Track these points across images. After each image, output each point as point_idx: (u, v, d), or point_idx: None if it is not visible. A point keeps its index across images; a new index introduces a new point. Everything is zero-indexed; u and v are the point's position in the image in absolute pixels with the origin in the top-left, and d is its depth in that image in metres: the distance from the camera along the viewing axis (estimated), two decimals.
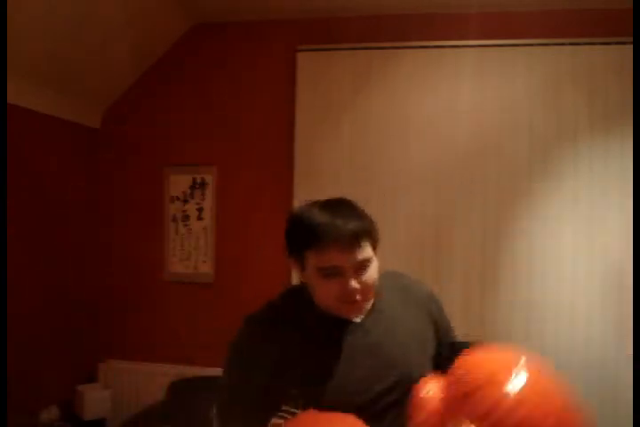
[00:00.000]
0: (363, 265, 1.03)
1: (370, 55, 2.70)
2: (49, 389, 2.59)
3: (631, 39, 2.19)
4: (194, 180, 2.87)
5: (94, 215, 2.94)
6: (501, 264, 2.55)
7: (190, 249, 2.86)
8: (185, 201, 2.88)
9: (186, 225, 2.87)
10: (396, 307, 1.16)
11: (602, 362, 2.42)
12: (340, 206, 1.06)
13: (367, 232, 1.04)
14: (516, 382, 0.80)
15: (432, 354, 1.16)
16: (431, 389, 0.93)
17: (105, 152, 2.97)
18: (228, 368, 1.13)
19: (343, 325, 1.09)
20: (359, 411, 0.96)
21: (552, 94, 2.56)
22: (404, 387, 1.03)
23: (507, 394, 0.79)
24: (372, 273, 1.05)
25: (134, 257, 2.94)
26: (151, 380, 2.80)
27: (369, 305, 1.10)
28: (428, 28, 2.68)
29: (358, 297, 1.03)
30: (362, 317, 1.10)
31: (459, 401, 0.85)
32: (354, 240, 1.00)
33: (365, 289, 1.04)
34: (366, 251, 1.03)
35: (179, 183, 2.88)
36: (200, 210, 2.86)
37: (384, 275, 1.12)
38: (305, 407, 1.00)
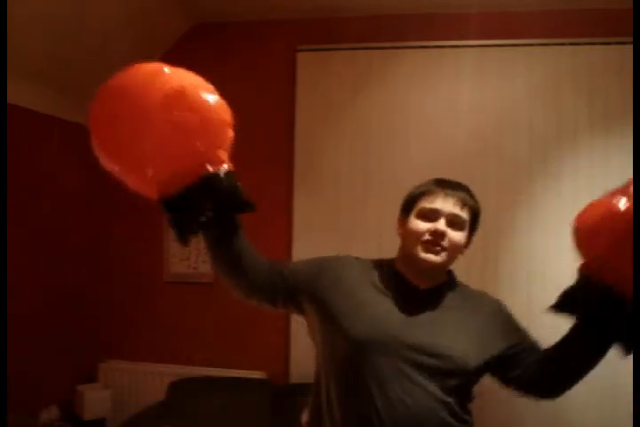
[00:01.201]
0: (456, 222, 1.20)
1: (370, 55, 2.70)
2: (49, 389, 2.59)
3: (631, 39, 2.19)
4: None
5: (94, 215, 2.94)
6: (501, 264, 2.55)
7: (190, 249, 2.86)
8: None
9: None
10: (462, 309, 1.24)
11: (602, 362, 2.41)
12: (457, 183, 1.29)
13: (472, 205, 1.24)
14: None
15: (487, 359, 1.20)
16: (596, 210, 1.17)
17: None
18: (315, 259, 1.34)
19: (409, 288, 1.22)
20: (364, 350, 1.13)
21: (552, 94, 2.56)
22: (432, 364, 1.13)
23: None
24: (459, 236, 1.20)
25: (134, 257, 2.94)
26: (151, 380, 2.80)
27: (443, 262, 1.20)
28: (428, 28, 2.68)
29: (443, 242, 1.18)
30: (427, 287, 1.23)
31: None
32: (458, 198, 1.21)
33: (451, 243, 1.18)
34: (465, 213, 1.22)
35: None
36: None
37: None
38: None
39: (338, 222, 2.68)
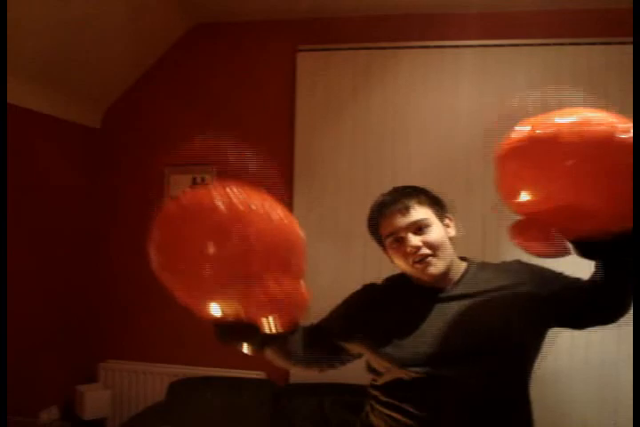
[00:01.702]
0: (418, 226, 1.20)
1: (370, 55, 2.70)
2: (49, 389, 2.59)
3: (631, 39, 2.19)
4: (194, 180, 2.87)
5: (94, 215, 2.94)
6: None
7: None
8: None
9: None
10: (489, 286, 1.23)
11: (602, 362, 2.42)
12: (394, 189, 1.31)
13: (418, 200, 1.23)
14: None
15: (537, 323, 1.20)
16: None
17: (105, 152, 2.97)
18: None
19: (431, 294, 1.23)
20: (412, 369, 1.15)
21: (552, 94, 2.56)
22: (478, 357, 1.13)
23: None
24: (434, 233, 1.20)
25: (134, 257, 2.93)
26: (151, 380, 2.80)
27: (442, 264, 1.20)
28: (428, 28, 2.68)
29: (424, 251, 1.18)
30: (448, 286, 1.23)
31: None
32: (402, 207, 1.22)
33: (431, 246, 1.19)
34: (417, 214, 1.21)
35: (179, 183, 2.88)
36: None
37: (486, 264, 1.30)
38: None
39: (338, 222, 2.68)
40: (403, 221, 1.21)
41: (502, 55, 2.60)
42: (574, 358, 2.40)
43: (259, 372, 2.72)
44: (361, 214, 2.66)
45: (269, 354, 1.30)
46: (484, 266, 1.31)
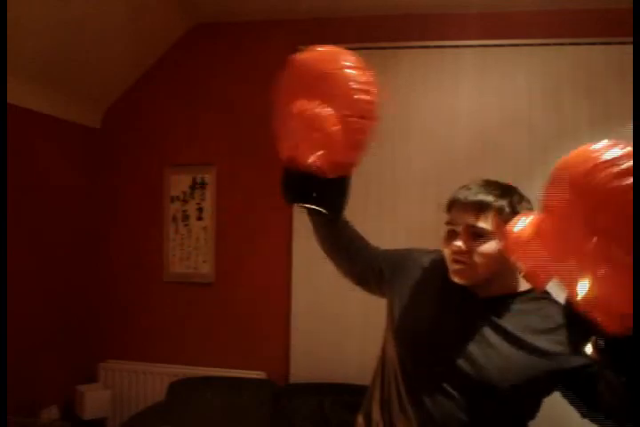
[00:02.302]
0: (475, 233, 1.11)
1: (370, 55, 2.67)
2: (49, 389, 2.59)
3: (631, 39, 2.19)
4: (194, 180, 2.87)
5: (94, 215, 2.94)
6: None
7: (190, 249, 2.86)
8: (185, 201, 2.88)
9: (186, 225, 2.87)
10: (522, 327, 1.12)
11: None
12: (485, 183, 1.19)
13: (494, 208, 1.11)
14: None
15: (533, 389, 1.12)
16: (524, 222, 0.95)
17: (105, 152, 2.97)
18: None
19: (467, 297, 1.17)
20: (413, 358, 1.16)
21: (552, 94, 2.56)
22: (460, 380, 1.10)
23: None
24: (485, 247, 1.10)
25: (134, 257, 2.94)
26: (151, 380, 2.80)
27: (471, 278, 1.13)
28: (427, 28, 2.68)
29: (462, 258, 1.11)
30: (487, 301, 1.15)
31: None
32: (473, 206, 1.12)
33: (474, 258, 1.10)
34: (483, 221, 1.11)
35: (179, 183, 2.88)
36: (200, 210, 2.86)
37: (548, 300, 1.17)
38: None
39: None
40: (465, 219, 1.12)
41: (502, 55, 2.60)
42: None
43: (259, 372, 2.72)
44: (361, 214, 2.68)
45: (316, 223, 1.31)
46: (537, 299, 1.17)
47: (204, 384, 2.61)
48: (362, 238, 1.37)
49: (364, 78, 1.17)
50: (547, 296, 1.18)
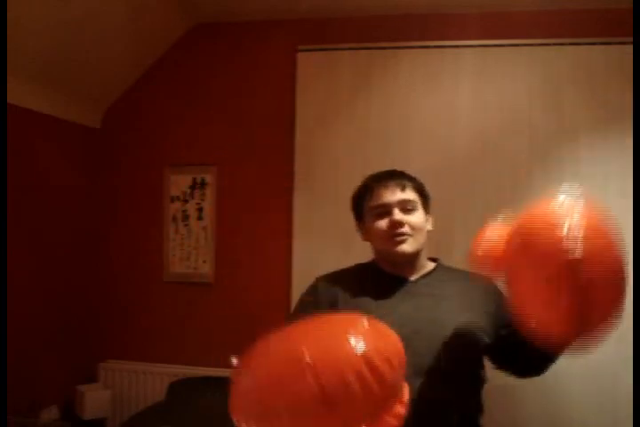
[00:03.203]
0: (407, 205, 1.26)
1: (370, 55, 2.70)
2: (49, 389, 2.59)
3: (631, 39, 2.19)
4: (194, 180, 2.87)
5: (94, 215, 2.94)
6: None
7: (190, 249, 2.86)
8: (185, 201, 2.88)
9: (186, 225, 2.87)
10: (453, 289, 1.27)
11: (601, 362, 2.42)
12: (389, 170, 1.40)
13: (412, 184, 1.31)
14: (572, 225, 0.86)
15: (482, 341, 1.21)
16: (494, 233, 1.06)
17: (105, 152, 2.97)
18: (297, 303, 1.41)
19: (397, 281, 1.27)
20: None
21: (552, 94, 2.56)
22: (433, 347, 1.15)
23: (565, 236, 0.85)
24: (417, 217, 1.27)
25: (134, 257, 2.94)
26: (151, 380, 2.80)
27: (415, 246, 1.26)
28: (427, 28, 2.68)
29: (404, 229, 1.24)
30: (416, 277, 1.29)
31: (519, 248, 0.92)
32: (397, 183, 1.29)
33: (412, 227, 1.25)
34: (410, 194, 1.28)
35: (179, 183, 2.88)
36: (200, 210, 2.86)
37: (454, 269, 1.35)
38: None
39: (338, 222, 2.68)
40: (397, 196, 1.27)
41: (502, 55, 2.60)
42: (574, 359, 2.39)
43: None
44: None
45: None
46: (451, 269, 1.37)
47: (203, 384, 2.60)
48: None
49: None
50: (449, 267, 1.38)
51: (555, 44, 2.54)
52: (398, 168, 1.47)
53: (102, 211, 2.97)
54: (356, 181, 2.67)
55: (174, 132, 2.92)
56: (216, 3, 2.72)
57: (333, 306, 1.27)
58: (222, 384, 2.86)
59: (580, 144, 2.53)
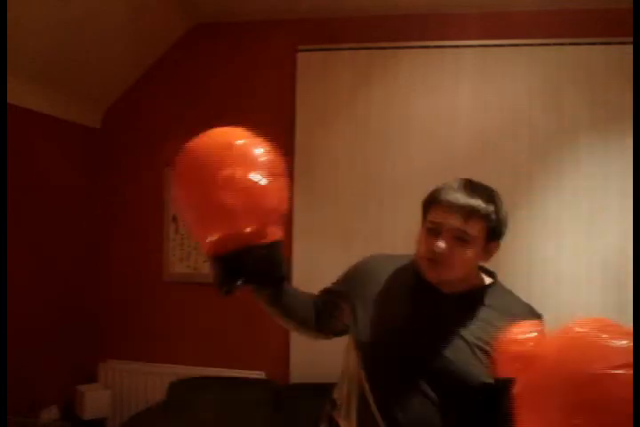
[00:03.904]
0: (460, 236, 1.10)
1: (370, 55, 2.70)
2: (49, 389, 2.59)
3: (631, 39, 2.19)
4: None
5: (94, 215, 2.94)
6: (501, 265, 2.55)
7: (190, 249, 2.86)
8: None
9: None
10: (484, 323, 1.13)
11: None
12: (470, 185, 1.16)
13: (482, 214, 1.11)
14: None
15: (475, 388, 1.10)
16: (530, 332, 0.98)
17: (105, 152, 2.97)
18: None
19: (427, 289, 1.17)
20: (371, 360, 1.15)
21: (552, 94, 2.56)
22: (423, 377, 1.09)
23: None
24: (464, 253, 1.11)
25: (134, 257, 2.94)
26: (151, 380, 2.80)
27: (443, 277, 1.14)
28: (427, 28, 2.68)
29: (439, 258, 1.11)
30: (452, 291, 1.16)
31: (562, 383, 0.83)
32: (463, 210, 1.10)
33: (449, 260, 1.11)
34: (471, 226, 1.10)
35: None
36: None
37: (507, 297, 1.23)
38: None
39: (337, 222, 2.68)
40: (452, 221, 1.10)
41: (502, 55, 2.60)
42: None
43: (259, 372, 2.72)
44: (361, 214, 2.68)
45: (264, 300, 1.31)
46: (504, 295, 1.22)
47: (203, 384, 2.61)
48: (310, 299, 1.37)
49: (264, 144, 1.24)
50: (504, 290, 1.25)
51: (555, 44, 2.54)
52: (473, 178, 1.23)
53: (102, 211, 2.96)
54: (356, 181, 2.69)
55: (174, 133, 2.89)
56: (216, 3, 2.72)
57: (361, 289, 1.25)
58: (222, 384, 2.87)
59: (580, 144, 2.53)
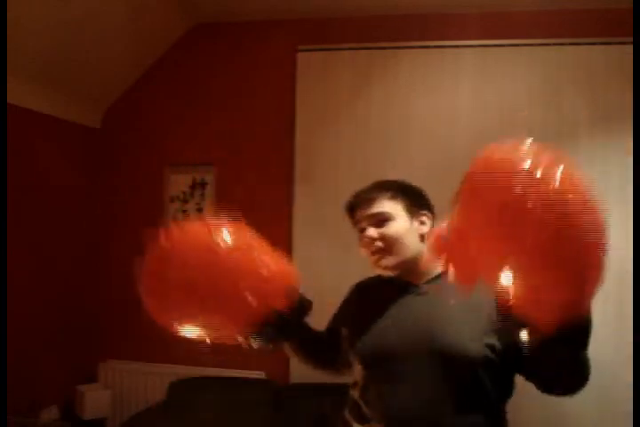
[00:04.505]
0: (378, 219, 1.21)
1: (370, 55, 2.70)
2: (49, 389, 2.59)
3: (631, 39, 2.19)
4: (194, 180, 2.87)
5: (94, 215, 2.94)
6: None
7: None
8: (185, 201, 2.88)
9: None
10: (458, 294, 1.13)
11: (601, 363, 2.41)
12: (374, 183, 1.31)
13: (387, 194, 1.23)
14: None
15: (476, 356, 1.11)
16: (447, 224, 0.98)
17: (105, 152, 2.97)
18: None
19: (402, 287, 1.24)
20: (375, 364, 1.18)
21: (552, 94, 2.56)
22: (429, 359, 1.11)
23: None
24: (392, 228, 1.20)
25: (134, 257, 2.94)
26: (151, 380, 2.80)
27: (395, 259, 1.20)
28: (427, 28, 2.68)
29: (378, 244, 1.20)
30: (422, 281, 1.23)
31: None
32: (368, 199, 1.25)
33: (385, 240, 1.19)
34: (379, 206, 1.22)
35: (179, 183, 2.88)
36: (200, 210, 2.86)
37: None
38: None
39: (338, 222, 2.67)
40: (364, 212, 1.24)
41: (502, 55, 2.60)
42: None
43: (259, 372, 2.72)
44: None
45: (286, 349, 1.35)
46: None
47: (203, 384, 2.61)
48: (325, 336, 1.39)
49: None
50: None
51: (555, 44, 2.55)
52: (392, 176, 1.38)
53: (102, 211, 2.96)
54: (356, 181, 2.67)
55: (174, 132, 2.92)
56: (216, 3, 2.72)
57: (352, 311, 1.34)
58: (222, 384, 2.87)
59: (580, 144, 2.53)
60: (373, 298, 1.29)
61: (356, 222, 1.28)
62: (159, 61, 2.94)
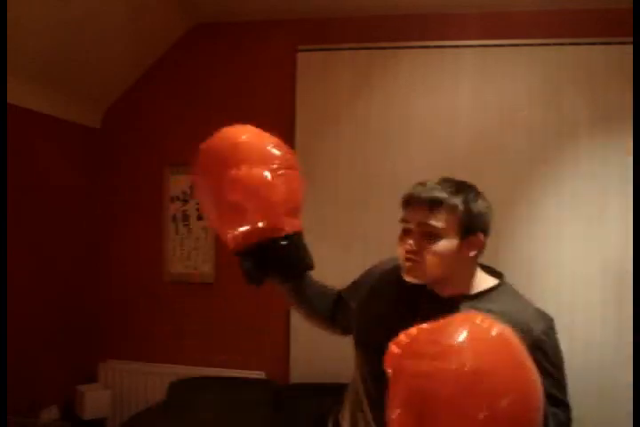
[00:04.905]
0: (427, 231, 1.08)
1: (370, 55, 2.70)
2: (49, 389, 2.59)
3: (631, 39, 2.19)
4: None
5: (94, 215, 2.94)
6: (501, 265, 2.54)
7: (190, 249, 2.86)
8: (185, 201, 2.88)
9: (186, 225, 2.87)
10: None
11: (601, 363, 2.42)
12: (441, 180, 1.15)
13: (446, 205, 1.08)
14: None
15: None
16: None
17: (105, 152, 2.97)
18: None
19: (429, 296, 1.15)
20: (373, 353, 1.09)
21: (552, 94, 2.56)
22: None
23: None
24: (437, 246, 1.08)
25: (134, 257, 2.94)
26: (151, 380, 2.80)
27: (422, 276, 1.12)
28: (427, 28, 2.68)
29: (411, 256, 1.10)
30: (450, 295, 1.14)
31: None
32: (426, 203, 1.09)
33: (425, 258, 1.08)
34: (435, 218, 1.08)
35: (179, 183, 2.88)
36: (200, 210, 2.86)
37: (506, 299, 1.15)
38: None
39: (338, 222, 2.68)
40: (418, 217, 1.10)
41: (502, 55, 2.60)
42: (573, 360, 2.39)
43: (259, 372, 2.72)
44: (362, 214, 2.68)
45: (286, 291, 1.35)
46: (507, 298, 1.16)
47: (203, 384, 2.61)
48: (330, 293, 1.38)
49: (271, 139, 1.23)
50: (510, 294, 1.19)
51: (555, 44, 2.54)
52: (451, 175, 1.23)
53: (102, 211, 2.96)
54: (356, 181, 2.69)
55: (174, 132, 2.92)
56: (216, 3, 2.72)
57: (361, 297, 1.29)
58: (222, 384, 2.88)
59: (580, 144, 2.53)
60: (388, 290, 1.24)
61: (402, 218, 1.15)
62: (159, 61, 2.94)
